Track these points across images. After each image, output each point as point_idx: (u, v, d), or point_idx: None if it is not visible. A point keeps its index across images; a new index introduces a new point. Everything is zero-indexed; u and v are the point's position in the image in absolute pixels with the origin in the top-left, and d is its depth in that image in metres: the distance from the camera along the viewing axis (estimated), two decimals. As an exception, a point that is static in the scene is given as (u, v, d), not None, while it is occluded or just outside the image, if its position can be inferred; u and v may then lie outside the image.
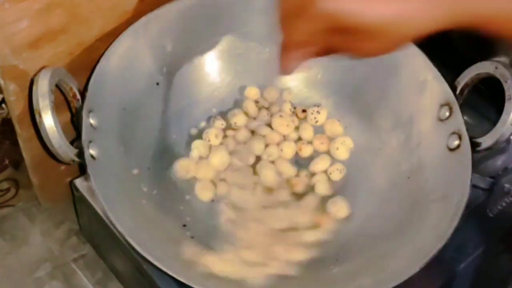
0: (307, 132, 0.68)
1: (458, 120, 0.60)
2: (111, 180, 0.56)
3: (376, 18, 0.41)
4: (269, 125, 0.67)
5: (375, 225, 0.62)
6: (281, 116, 0.67)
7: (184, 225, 0.60)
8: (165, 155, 0.64)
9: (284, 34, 0.46)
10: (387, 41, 0.44)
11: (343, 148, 0.67)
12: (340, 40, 0.44)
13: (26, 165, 0.63)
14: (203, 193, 0.62)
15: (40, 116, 0.52)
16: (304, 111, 0.68)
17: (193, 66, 0.67)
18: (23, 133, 0.59)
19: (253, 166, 0.65)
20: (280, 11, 0.46)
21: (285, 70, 0.48)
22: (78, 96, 0.57)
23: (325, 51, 0.47)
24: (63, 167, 0.65)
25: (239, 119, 0.67)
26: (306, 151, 0.67)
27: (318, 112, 0.68)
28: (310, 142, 0.67)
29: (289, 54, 0.47)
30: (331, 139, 0.68)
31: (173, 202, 0.62)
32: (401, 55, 0.65)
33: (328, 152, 0.67)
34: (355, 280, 0.56)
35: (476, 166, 0.58)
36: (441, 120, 0.62)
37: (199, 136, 0.66)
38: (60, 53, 0.57)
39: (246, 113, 0.68)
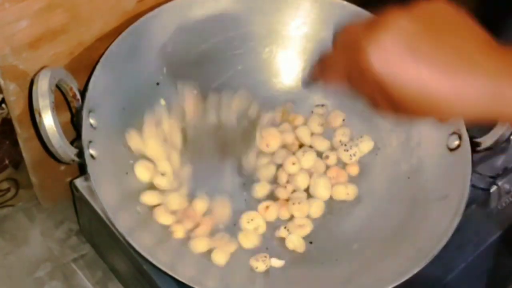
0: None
1: (458, 120, 0.60)
2: (111, 180, 0.56)
3: (433, 94, 0.38)
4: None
5: (375, 225, 0.62)
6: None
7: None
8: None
9: (327, 59, 0.46)
10: (436, 115, 0.40)
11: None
12: (383, 98, 0.41)
13: (26, 165, 0.63)
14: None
15: (40, 116, 0.52)
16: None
17: (193, 66, 0.67)
18: (23, 133, 0.59)
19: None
20: (335, 43, 0.45)
21: (313, 81, 0.48)
22: (78, 96, 0.57)
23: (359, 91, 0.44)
24: (63, 167, 0.65)
25: None
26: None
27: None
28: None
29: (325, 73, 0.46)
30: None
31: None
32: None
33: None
34: (355, 280, 0.56)
35: (476, 166, 0.58)
36: (441, 120, 0.62)
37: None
38: (60, 53, 0.57)
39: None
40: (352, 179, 0.65)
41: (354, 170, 0.65)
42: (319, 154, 0.66)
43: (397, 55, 0.38)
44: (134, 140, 0.60)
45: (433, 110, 0.39)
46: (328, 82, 0.46)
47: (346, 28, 0.43)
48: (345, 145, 0.65)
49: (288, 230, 0.60)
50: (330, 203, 0.63)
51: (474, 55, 0.38)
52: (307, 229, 0.61)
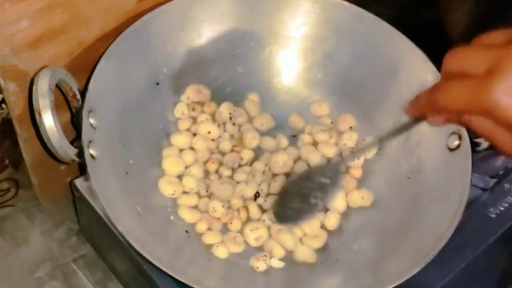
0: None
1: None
2: (111, 180, 0.56)
3: None
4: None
5: (375, 225, 0.62)
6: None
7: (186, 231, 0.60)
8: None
9: (436, 97, 0.40)
10: None
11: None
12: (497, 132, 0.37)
13: (26, 165, 0.63)
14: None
15: (40, 116, 0.52)
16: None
17: (193, 66, 0.67)
18: (23, 133, 0.59)
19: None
20: (445, 75, 0.39)
21: (412, 113, 0.44)
22: (78, 96, 0.57)
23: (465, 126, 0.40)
24: (63, 167, 0.65)
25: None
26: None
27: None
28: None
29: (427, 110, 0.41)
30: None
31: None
32: (401, 55, 0.65)
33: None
34: (355, 280, 0.56)
35: (476, 166, 0.58)
36: (441, 120, 0.62)
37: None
38: (60, 53, 0.57)
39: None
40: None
41: (357, 173, 0.65)
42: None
43: None
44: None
45: None
46: (433, 120, 0.42)
47: (457, 57, 0.38)
48: (351, 148, 0.66)
49: (301, 241, 0.60)
50: (347, 211, 0.63)
51: None
52: (322, 239, 0.61)
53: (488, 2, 0.67)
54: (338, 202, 0.62)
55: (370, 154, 0.66)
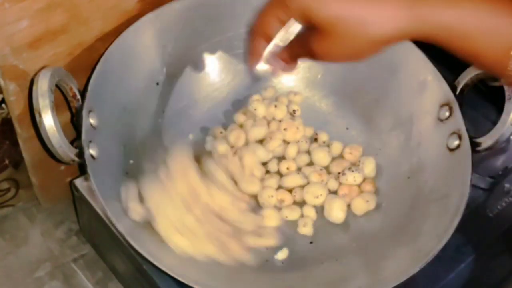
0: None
1: (458, 120, 0.60)
2: (111, 180, 0.56)
3: (331, 17, 0.45)
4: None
5: (375, 225, 0.62)
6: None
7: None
8: (164, 154, 0.64)
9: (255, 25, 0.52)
10: (347, 45, 0.46)
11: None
12: (305, 40, 0.48)
13: (26, 165, 0.63)
14: None
15: (40, 116, 0.52)
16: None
17: (193, 66, 0.67)
18: (23, 133, 0.59)
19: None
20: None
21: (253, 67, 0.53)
22: (78, 96, 0.57)
23: (296, 55, 0.52)
24: (63, 167, 0.65)
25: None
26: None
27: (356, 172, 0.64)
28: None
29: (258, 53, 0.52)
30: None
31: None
32: (401, 55, 0.65)
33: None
34: (355, 280, 0.56)
35: (476, 166, 0.58)
36: (441, 120, 0.62)
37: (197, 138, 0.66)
38: (60, 53, 0.57)
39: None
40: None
41: (369, 187, 0.64)
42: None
43: None
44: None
45: (353, 36, 0.45)
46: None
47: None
48: (350, 168, 0.65)
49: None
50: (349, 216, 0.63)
51: None
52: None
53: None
54: (336, 212, 0.62)
55: (372, 172, 0.65)
